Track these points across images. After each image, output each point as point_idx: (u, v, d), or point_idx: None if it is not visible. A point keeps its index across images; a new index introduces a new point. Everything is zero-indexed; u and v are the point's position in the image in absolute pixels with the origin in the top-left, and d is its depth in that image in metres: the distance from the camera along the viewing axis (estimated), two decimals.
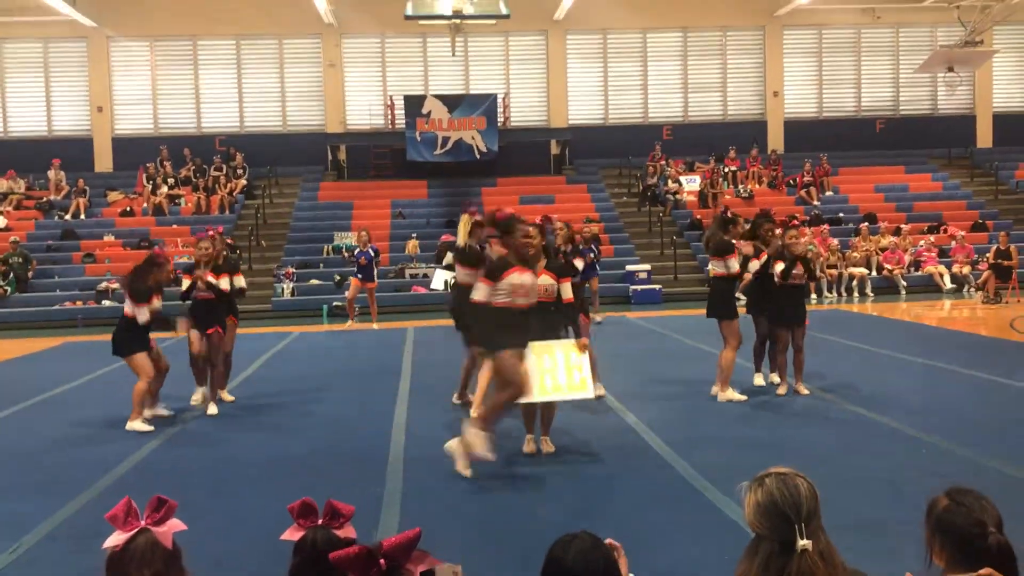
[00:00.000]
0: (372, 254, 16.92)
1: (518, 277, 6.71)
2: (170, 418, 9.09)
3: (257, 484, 6.76)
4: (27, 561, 5.30)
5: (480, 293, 6.82)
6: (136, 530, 2.22)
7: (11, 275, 20.75)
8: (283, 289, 20.94)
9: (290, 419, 9.17)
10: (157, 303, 8.85)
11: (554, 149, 27.12)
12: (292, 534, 2.25)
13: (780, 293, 9.32)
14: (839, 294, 21.15)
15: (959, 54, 23.20)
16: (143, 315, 8.69)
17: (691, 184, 25.28)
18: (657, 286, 21.39)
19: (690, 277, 22.36)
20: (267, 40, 26.63)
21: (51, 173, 24.90)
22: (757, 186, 25.63)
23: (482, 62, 27.08)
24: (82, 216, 23.90)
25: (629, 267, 21.81)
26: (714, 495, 6.02)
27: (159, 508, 2.26)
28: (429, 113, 24.89)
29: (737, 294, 9.62)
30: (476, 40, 26.55)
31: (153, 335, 8.99)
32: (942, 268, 21.80)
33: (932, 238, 22.92)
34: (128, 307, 8.78)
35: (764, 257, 9.47)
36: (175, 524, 2.28)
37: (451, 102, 25.10)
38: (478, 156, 25.11)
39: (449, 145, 25.00)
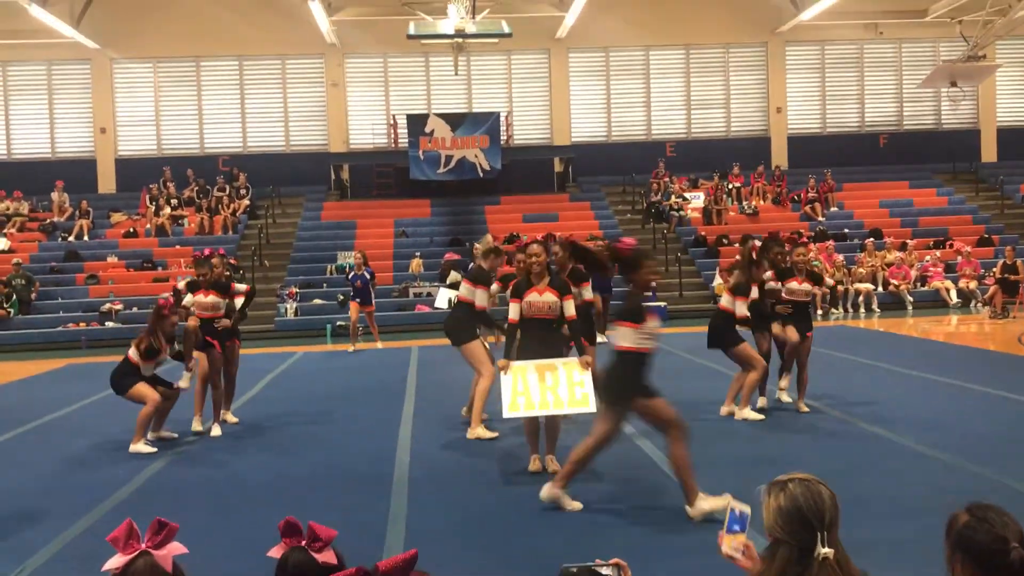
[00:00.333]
0: (368, 277, 16.67)
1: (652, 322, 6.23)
2: (173, 440, 9.02)
3: (261, 505, 6.68)
4: None
5: (513, 312, 7.26)
6: (136, 553, 2.20)
7: (14, 297, 20.74)
8: (286, 309, 20.90)
9: (294, 439, 9.09)
10: (164, 355, 8.91)
11: (557, 167, 27.14)
12: (277, 552, 2.29)
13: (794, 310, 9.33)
14: (845, 310, 21.07)
15: (962, 69, 23.21)
16: (148, 368, 8.78)
17: (695, 201, 25.26)
18: (662, 303, 21.29)
19: (695, 294, 22.29)
20: (270, 60, 26.72)
21: (54, 195, 24.94)
22: (761, 202, 25.60)
23: (485, 81, 27.14)
24: (85, 237, 23.91)
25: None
26: (721, 513, 5.92)
27: (159, 531, 2.24)
28: (432, 132, 24.93)
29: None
30: (479, 59, 26.62)
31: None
32: (948, 283, 21.72)
33: (938, 253, 22.85)
34: (133, 354, 8.75)
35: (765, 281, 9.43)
36: (175, 547, 2.25)
37: (454, 121, 25.15)
38: (481, 174, 25.12)
39: (452, 164, 25.02)
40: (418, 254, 23.01)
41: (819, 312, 20.71)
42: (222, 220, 24.32)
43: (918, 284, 21.98)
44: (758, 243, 9.55)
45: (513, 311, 7.28)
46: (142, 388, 8.67)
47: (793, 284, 9.35)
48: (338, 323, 19.83)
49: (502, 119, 25.84)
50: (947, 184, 26.89)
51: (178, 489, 7.29)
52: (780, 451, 7.83)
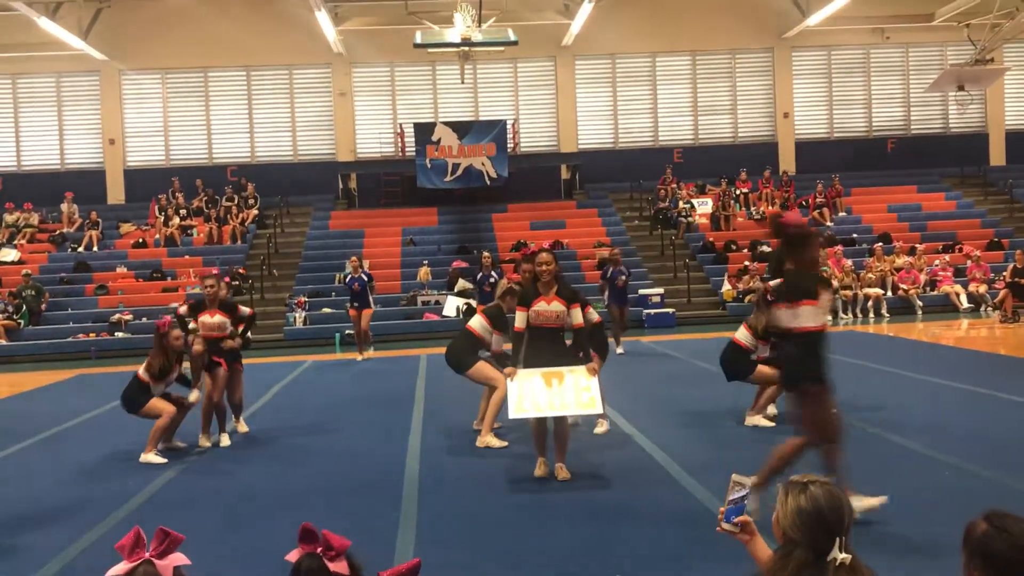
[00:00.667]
0: (365, 279, 16.32)
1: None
2: (183, 450, 9.03)
3: (272, 514, 6.68)
4: None
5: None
6: (139, 561, 2.23)
7: (24, 308, 20.82)
8: (295, 318, 20.93)
9: (304, 448, 9.10)
10: (175, 374, 8.90)
11: (564, 174, 27.14)
12: (294, 556, 2.33)
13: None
14: (854, 315, 21.00)
15: (970, 72, 23.14)
16: (158, 388, 8.79)
17: (703, 207, 25.23)
18: (670, 310, 21.28)
19: (704, 300, 22.26)
20: (277, 70, 26.82)
21: (64, 206, 25.06)
22: (769, 208, 25.54)
23: (491, 89, 27.19)
24: (95, 248, 24.00)
25: (642, 291, 21.71)
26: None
27: (162, 541, 2.27)
28: (439, 140, 24.97)
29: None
30: (485, 67, 26.66)
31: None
32: (958, 287, 21.63)
33: (947, 257, 22.78)
34: (144, 374, 8.78)
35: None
36: (177, 558, 2.28)
37: (461, 129, 25.18)
38: (488, 182, 25.14)
39: (459, 172, 25.05)
40: (426, 262, 23.03)
41: (828, 318, 20.66)
42: (231, 230, 24.39)
43: (927, 289, 21.90)
44: (771, 284, 9.47)
45: (520, 320, 7.29)
46: (156, 403, 8.71)
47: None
48: (347, 332, 19.83)
49: (509, 127, 25.87)
50: (956, 188, 26.81)
51: (188, 499, 7.29)
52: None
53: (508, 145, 25.53)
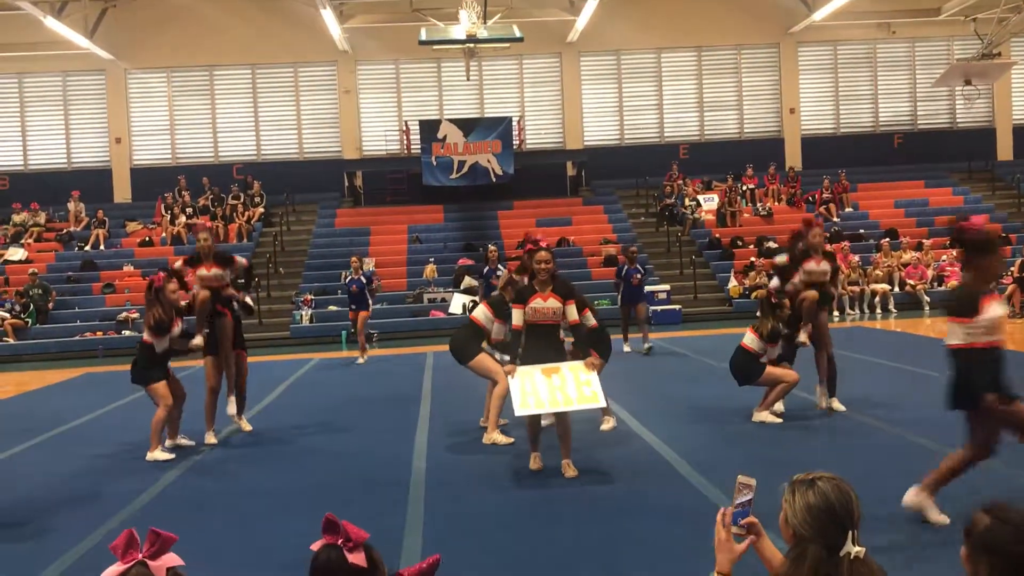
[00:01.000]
0: (364, 281, 15.97)
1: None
2: (190, 448, 9.03)
3: (278, 513, 6.68)
4: None
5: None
6: (132, 563, 2.24)
7: (31, 307, 20.87)
8: (301, 316, 20.94)
9: (310, 446, 9.10)
10: (177, 329, 8.82)
11: (570, 171, 27.11)
12: (317, 547, 2.38)
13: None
14: (862, 311, 20.94)
15: (976, 67, 23.05)
16: (161, 344, 8.67)
17: (709, 203, 25.18)
18: (677, 306, 21.24)
19: (710, 296, 22.22)
20: (282, 68, 26.82)
21: (71, 205, 25.12)
22: (776, 204, 25.50)
23: (496, 85, 27.16)
24: (101, 247, 24.05)
25: (648, 288, 21.62)
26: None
27: (155, 542, 2.27)
28: (444, 137, 24.95)
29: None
30: (490, 64, 26.64)
31: (172, 363, 8.99)
32: None
33: (954, 252, 22.64)
34: (147, 334, 8.75)
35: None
36: (170, 558, 2.28)
37: (466, 126, 25.16)
38: (494, 179, 25.13)
39: (465, 169, 25.03)
40: (432, 260, 23.02)
41: (835, 314, 20.60)
42: (237, 228, 24.41)
43: (935, 284, 21.83)
44: (774, 286, 9.49)
45: (517, 317, 7.37)
46: (161, 389, 8.62)
47: (811, 265, 9.29)
48: (352, 330, 19.84)
49: (514, 124, 25.85)
50: (963, 183, 26.72)
51: (195, 498, 7.29)
52: (799, 453, 7.77)
53: (514, 142, 25.50)
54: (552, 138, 27.36)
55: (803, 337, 9.16)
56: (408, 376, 14.00)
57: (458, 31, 20.86)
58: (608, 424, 8.99)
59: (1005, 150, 27.83)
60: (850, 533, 2.31)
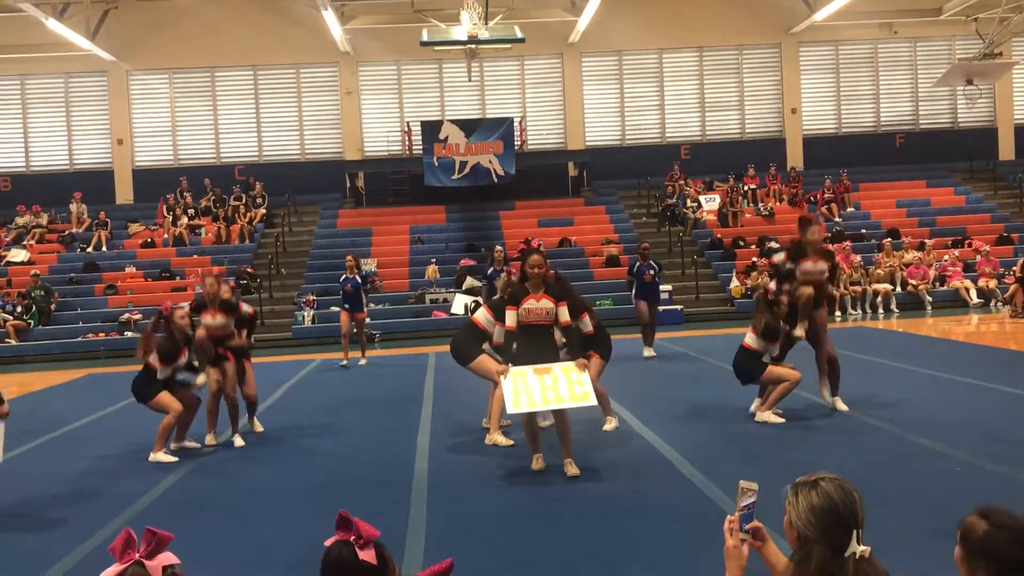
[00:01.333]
0: (359, 281, 15.35)
1: None
2: (195, 450, 9.03)
3: (280, 514, 6.69)
4: None
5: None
6: (129, 563, 2.26)
7: (33, 308, 20.90)
8: (303, 317, 20.95)
9: (312, 447, 9.11)
10: (183, 359, 8.82)
11: (572, 171, 27.11)
12: (330, 543, 2.41)
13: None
14: (864, 311, 20.94)
15: (978, 67, 23.03)
16: (164, 372, 8.68)
17: (710, 203, 25.17)
18: (679, 306, 21.23)
19: (712, 297, 22.22)
20: (284, 69, 26.85)
21: (73, 206, 25.15)
22: (777, 204, 25.50)
23: (498, 86, 27.17)
24: (103, 248, 24.08)
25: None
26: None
27: (151, 541, 2.29)
28: (446, 138, 24.97)
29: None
30: (492, 65, 26.65)
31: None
32: (968, 282, 21.55)
33: (956, 252, 22.68)
34: (153, 359, 8.73)
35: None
36: (166, 557, 2.30)
37: (468, 127, 25.18)
38: (496, 180, 25.14)
39: (466, 170, 25.05)
40: (434, 260, 23.03)
41: (837, 314, 20.60)
42: (239, 229, 24.43)
43: (937, 284, 21.82)
44: (772, 286, 9.49)
45: (510, 318, 7.45)
46: (166, 398, 8.65)
47: (808, 264, 9.30)
48: (354, 330, 19.84)
49: (516, 124, 25.86)
50: (964, 183, 26.71)
51: (197, 499, 7.30)
52: (801, 452, 7.78)
53: (515, 143, 25.52)
54: (554, 138, 27.37)
55: (799, 331, 9.16)
56: (410, 377, 14.02)
57: (459, 32, 20.87)
58: (610, 424, 9.00)
59: (1007, 150, 27.81)
60: (854, 533, 2.31)
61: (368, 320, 20.63)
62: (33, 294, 21.08)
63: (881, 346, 14.96)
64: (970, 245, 23.09)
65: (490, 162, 25.02)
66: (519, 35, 21.34)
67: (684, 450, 7.95)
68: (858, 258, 21.74)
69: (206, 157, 26.82)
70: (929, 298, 21.27)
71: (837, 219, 24.59)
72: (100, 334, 20.58)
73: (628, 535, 5.77)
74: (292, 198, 25.75)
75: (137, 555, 2.26)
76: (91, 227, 24.69)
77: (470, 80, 25.58)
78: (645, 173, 26.19)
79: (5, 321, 20.57)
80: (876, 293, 21.15)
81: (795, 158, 27.26)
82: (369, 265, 23.17)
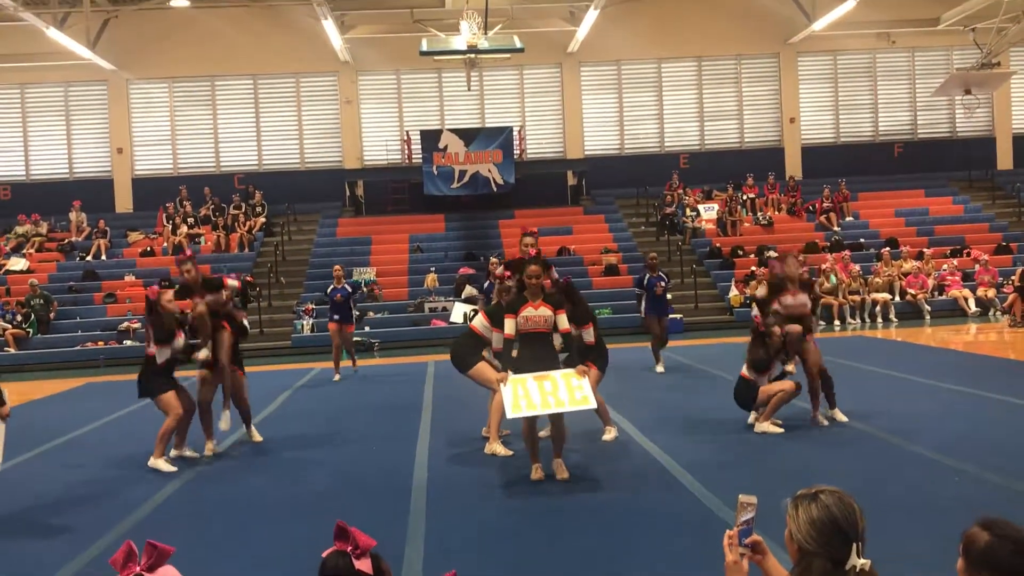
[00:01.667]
0: (348, 291, 15.11)
1: None
2: (194, 460, 9.01)
3: (279, 523, 6.69)
4: None
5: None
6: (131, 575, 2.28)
7: (32, 317, 20.89)
8: (303, 325, 20.95)
9: (312, 455, 9.10)
10: (180, 341, 8.80)
11: (571, 180, 27.15)
12: (327, 554, 2.42)
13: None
14: (862, 320, 20.95)
15: (976, 76, 23.10)
16: (163, 354, 8.64)
17: (709, 212, 25.21)
18: (678, 315, 21.22)
19: (711, 306, 22.23)
20: (284, 79, 26.90)
21: (72, 215, 25.17)
22: (776, 213, 25.53)
23: (497, 96, 27.23)
24: (103, 257, 24.09)
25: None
26: None
27: (152, 554, 2.31)
28: (445, 147, 25.01)
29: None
30: (491, 74, 26.71)
31: (177, 372, 8.98)
32: (966, 292, 21.57)
33: (955, 261, 22.70)
34: (150, 346, 8.74)
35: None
36: (167, 571, 2.32)
37: (467, 136, 25.23)
38: (495, 189, 25.17)
39: (466, 178, 25.09)
40: (433, 269, 23.05)
41: (836, 323, 20.61)
42: (238, 238, 24.45)
43: (935, 293, 21.83)
44: (758, 316, 9.50)
45: (509, 327, 7.49)
46: (170, 398, 8.59)
47: (787, 299, 9.30)
48: (354, 339, 19.83)
49: (515, 133, 25.90)
50: (963, 192, 26.75)
51: (196, 508, 7.30)
52: (800, 463, 7.78)
53: (514, 152, 25.56)
54: (553, 148, 27.41)
55: (790, 367, 9.29)
56: (409, 386, 14.01)
57: (459, 42, 20.94)
58: (610, 434, 9.00)
59: (1005, 159, 27.87)
60: (855, 546, 2.31)
61: (367, 329, 20.72)
62: (32, 303, 21.08)
63: (880, 355, 14.96)
64: (969, 254, 23.12)
65: (489, 171, 25.06)
66: (518, 45, 21.41)
67: (683, 460, 7.95)
68: (857, 267, 21.76)
69: (206, 166, 26.84)
70: (928, 307, 21.29)
71: (836, 228, 24.61)
72: (99, 343, 20.58)
73: (628, 545, 5.77)
74: (291, 207, 25.78)
75: (138, 568, 2.27)
76: (91, 236, 24.70)
77: (469, 89, 25.63)
78: (644, 182, 26.23)
79: (4, 330, 20.57)
80: (875, 302, 21.16)
81: (794, 167, 27.31)
82: (368, 274, 23.22)
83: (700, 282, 22.54)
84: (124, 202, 26.65)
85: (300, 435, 10.24)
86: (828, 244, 23.69)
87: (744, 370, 9.24)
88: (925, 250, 23.09)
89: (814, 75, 27.81)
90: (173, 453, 8.87)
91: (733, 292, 21.95)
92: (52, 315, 21.36)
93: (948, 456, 7.65)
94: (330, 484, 7.85)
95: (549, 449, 7.77)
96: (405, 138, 26.59)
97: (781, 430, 9.00)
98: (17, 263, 23.59)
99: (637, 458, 8.30)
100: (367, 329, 20.82)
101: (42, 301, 21.22)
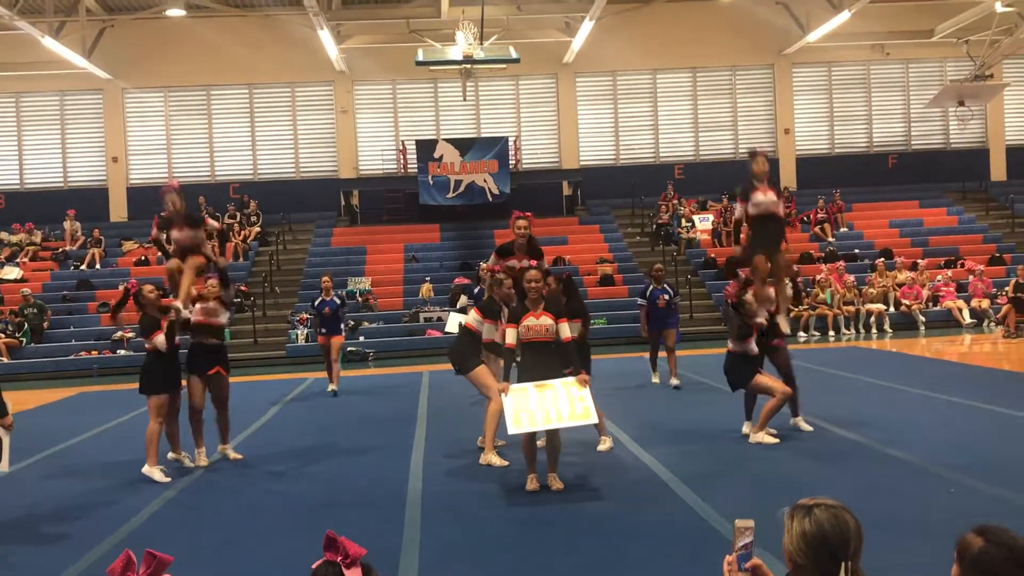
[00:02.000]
0: (337, 303, 14.65)
1: None
2: (188, 469, 8.97)
3: (273, 534, 6.66)
4: None
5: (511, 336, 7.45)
6: None
7: (26, 326, 20.83)
8: (297, 335, 20.91)
9: (306, 466, 9.07)
10: (172, 317, 8.74)
11: (566, 190, 27.19)
12: (317, 565, 2.42)
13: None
14: (857, 331, 20.98)
15: (969, 88, 23.21)
16: (161, 342, 8.56)
17: (704, 223, 25.25)
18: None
19: (706, 316, 22.24)
20: (279, 88, 26.92)
21: (67, 223, 25.11)
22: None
23: (493, 106, 27.28)
24: (97, 266, 24.04)
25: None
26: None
27: (151, 564, 2.31)
28: (441, 157, 25.04)
29: None
30: (487, 84, 26.76)
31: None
32: (961, 303, 21.61)
33: (949, 272, 22.76)
34: (146, 343, 8.69)
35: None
36: None
37: (463, 146, 25.26)
38: (490, 199, 25.19)
39: (461, 188, 25.11)
40: (428, 279, 23.04)
41: (831, 334, 20.62)
42: (233, 247, 24.42)
43: (930, 304, 21.87)
44: (729, 289, 9.53)
45: (510, 336, 7.51)
46: (157, 402, 8.55)
47: (758, 196, 9.51)
48: (348, 349, 19.82)
49: (511, 144, 25.94)
50: (957, 203, 26.84)
51: (190, 518, 7.27)
52: (796, 474, 7.78)
53: (510, 162, 25.59)
54: (548, 158, 27.46)
55: (761, 320, 9.22)
56: (404, 395, 13.99)
57: (455, 52, 20.99)
58: (605, 445, 8.99)
59: (999, 170, 27.98)
60: (843, 565, 2.30)
61: (362, 339, 20.68)
62: (26, 312, 21.01)
63: (874, 366, 14.97)
64: (963, 265, 23.18)
65: (485, 181, 25.09)
66: (514, 55, 21.47)
67: (678, 471, 7.94)
68: (851, 278, 21.79)
69: (201, 175, 26.83)
70: (922, 318, 21.33)
71: (830, 239, 24.67)
72: (93, 352, 20.52)
73: (623, 557, 5.76)
74: (287, 216, 25.77)
75: None
76: (85, 245, 24.65)
77: (465, 100, 25.66)
78: (639, 192, 26.28)
79: None
80: (869, 313, 21.20)
81: (788, 178, 27.38)
82: (363, 283, 23.20)
83: (695, 292, 22.55)
84: (119, 211, 26.62)
85: (294, 445, 10.21)
86: (823, 255, 23.74)
87: (730, 345, 9.21)
88: (919, 261, 23.14)
89: (808, 86, 27.91)
90: (170, 455, 8.83)
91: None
92: (46, 324, 21.30)
93: (943, 467, 7.65)
94: (325, 495, 7.83)
95: (544, 459, 7.76)
96: (401, 148, 26.61)
97: (776, 440, 9.00)
98: (11, 272, 23.53)
99: (632, 469, 8.29)
100: (362, 339, 20.79)
101: (36, 310, 21.16)
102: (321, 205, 26.64)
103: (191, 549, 6.19)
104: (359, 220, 26.75)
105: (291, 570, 5.55)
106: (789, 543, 2.36)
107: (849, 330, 20.96)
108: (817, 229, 24.94)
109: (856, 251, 24.22)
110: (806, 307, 20.89)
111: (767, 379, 9.11)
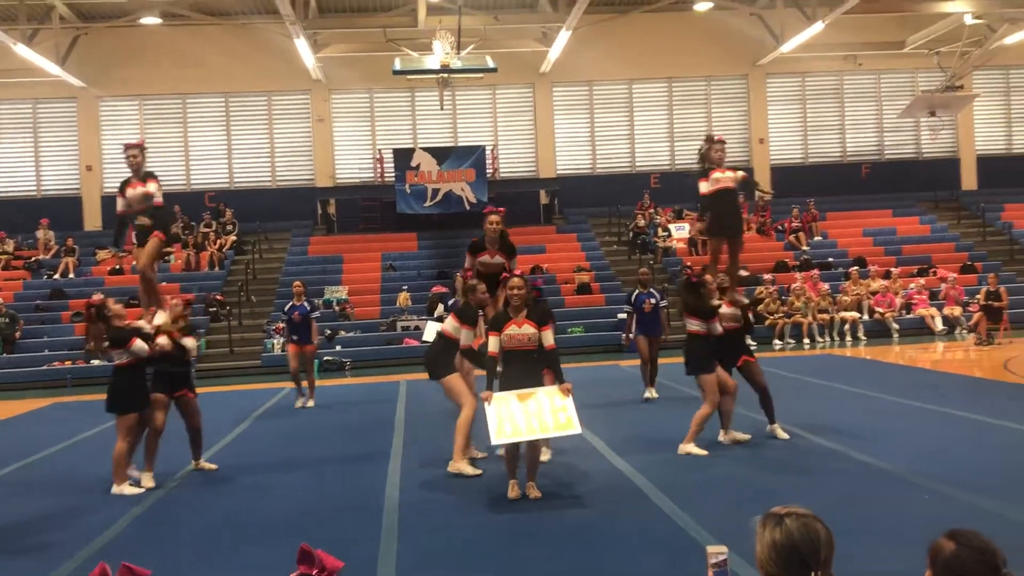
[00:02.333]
0: (307, 309, 14.00)
1: None
2: (157, 483, 8.87)
3: (249, 544, 6.63)
4: None
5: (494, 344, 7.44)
6: None
7: None
8: (273, 344, 20.81)
9: (282, 476, 9.03)
10: (136, 345, 8.52)
11: (543, 199, 27.24)
12: None
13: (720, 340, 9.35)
14: (831, 338, 21.14)
15: (940, 99, 23.52)
16: (141, 347, 8.43)
17: (680, 232, 25.37)
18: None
19: (682, 324, 22.28)
20: (256, 96, 26.82)
21: (40, 232, 24.87)
22: (746, 233, 25.70)
23: (470, 115, 27.31)
24: (71, 275, 23.81)
25: (621, 315, 21.72)
26: (709, 542, 5.90)
27: None
28: (418, 166, 25.02)
29: None
30: (464, 93, 26.78)
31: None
32: (933, 311, 21.83)
33: (922, 280, 22.99)
34: (117, 358, 8.54)
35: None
36: None
37: (440, 154, 25.25)
38: (468, 207, 25.18)
39: (439, 197, 25.09)
40: (405, 288, 23.00)
41: (805, 341, 20.77)
42: (208, 256, 24.28)
43: (903, 312, 22.08)
44: (689, 270, 9.64)
45: (493, 344, 7.48)
46: (127, 421, 8.44)
47: (715, 175, 9.66)
48: (325, 358, 19.74)
49: (488, 152, 25.97)
50: (929, 212, 27.13)
51: (164, 531, 7.22)
52: (770, 482, 7.82)
53: (487, 170, 25.61)
54: (525, 167, 27.51)
55: (708, 276, 9.46)
56: (382, 405, 13.95)
57: (432, 61, 21.01)
58: (544, 456, 8.62)
59: (969, 179, 28.31)
60: (813, 574, 2.32)
61: (339, 349, 20.61)
62: None
63: (848, 374, 15.09)
64: (935, 273, 23.42)
65: (462, 190, 25.09)
66: (491, 65, 21.52)
67: (655, 478, 7.97)
68: (826, 286, 21.98)
69: (176, 184, 26.59)
70: (896, 326, 21.52)
71: (805, 248, 24.86)
72: (67, 362, 20.31)
73: (600, 564, 5.78)
74: (263, 225, 25.65)
75: None
76: (58, 254, 24.42)
77: (442, 108, 25.67)
78: (616, 201, 26.37)
79: None
80: (843, 321, 21.36)
81: (763, 187, 27.53)
82: (339, 292, 23.12)
83: (671, 301, 22.60)
84: (93, 220, 26.39)
85: (270, 455, 10.16)
86: (797, 263, 23.92)
87: (692, 327, 9.21)
88: (893, 269, 23.36)
89: (782, 96, 28.15)
90: (134, 474, 8.68)
91: None
92: (18, 334, 21.07)
93: (917, 474, 7.72)
94: (301, 504, 7.80)
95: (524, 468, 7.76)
96: (378, 156, 26.58)
97: (748, 437, 9.13)
98: None
99: (609, 476, 8.31)
100: (338, 348, 20.72)
101: (8, 320, 20.94)
102: (297, 214, 26.54)
103: (165, 562, 6.15)
104: (336, 229, 26.67)
105: None
106: (760, 552, 2.37)
107: (823, 338, 21.11)
108: (792, 238, 25.12)
109: (830, 259, 24.42)
110: (781, 315, 21.04)
111: (713, 381, 9.11)
